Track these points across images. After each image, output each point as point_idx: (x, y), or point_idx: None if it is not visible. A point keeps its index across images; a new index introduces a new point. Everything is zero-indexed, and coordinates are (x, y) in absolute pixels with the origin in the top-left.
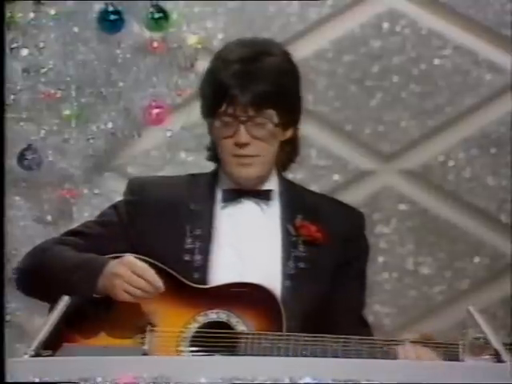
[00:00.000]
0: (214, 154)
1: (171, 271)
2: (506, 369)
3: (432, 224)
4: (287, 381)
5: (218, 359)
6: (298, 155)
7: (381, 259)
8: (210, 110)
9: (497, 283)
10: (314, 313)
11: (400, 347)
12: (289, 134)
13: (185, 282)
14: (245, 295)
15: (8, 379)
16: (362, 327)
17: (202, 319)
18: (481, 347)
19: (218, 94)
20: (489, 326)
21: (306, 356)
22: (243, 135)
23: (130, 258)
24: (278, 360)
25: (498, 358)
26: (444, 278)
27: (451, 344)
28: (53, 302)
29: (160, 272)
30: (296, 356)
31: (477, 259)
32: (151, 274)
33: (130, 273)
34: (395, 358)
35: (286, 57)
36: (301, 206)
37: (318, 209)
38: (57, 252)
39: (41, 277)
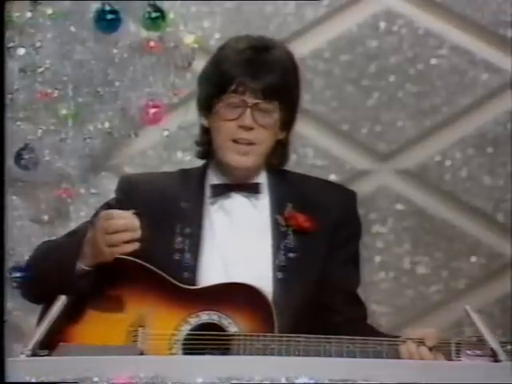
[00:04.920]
0: (204, 150)
1: (161, 272)
2: (505, 368)
3: (428, 224)
4: (284, 381)
5: (214, 359)
6: (288, 160)
7: (377, 259)
8: (214, 96)
9: (493, 283)
10: (307, 303)
11: (403, 346)
12: (283, 134)
13: (175, 283)
14: (235, 296)
15: (4, 379)
16: (357, 307)
17: (193, 321)
18: (474, 346)
19: (225, 80)
20: (485, 325)
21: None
22: (249, 118)
23: (104, 211)
24: (275, 360)
25: (495, 357)
26: (441, 277)
27: (443, 343)
28: (47, 296)
29: (150, 273)
30: (289, 356)
31: (473, 259)
32: (126, 214)
33: (107, 222)
34: (388, 357)
35: (292, 56)
36: (290, 194)
37: (308, 196)
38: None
39: (37, 273)
